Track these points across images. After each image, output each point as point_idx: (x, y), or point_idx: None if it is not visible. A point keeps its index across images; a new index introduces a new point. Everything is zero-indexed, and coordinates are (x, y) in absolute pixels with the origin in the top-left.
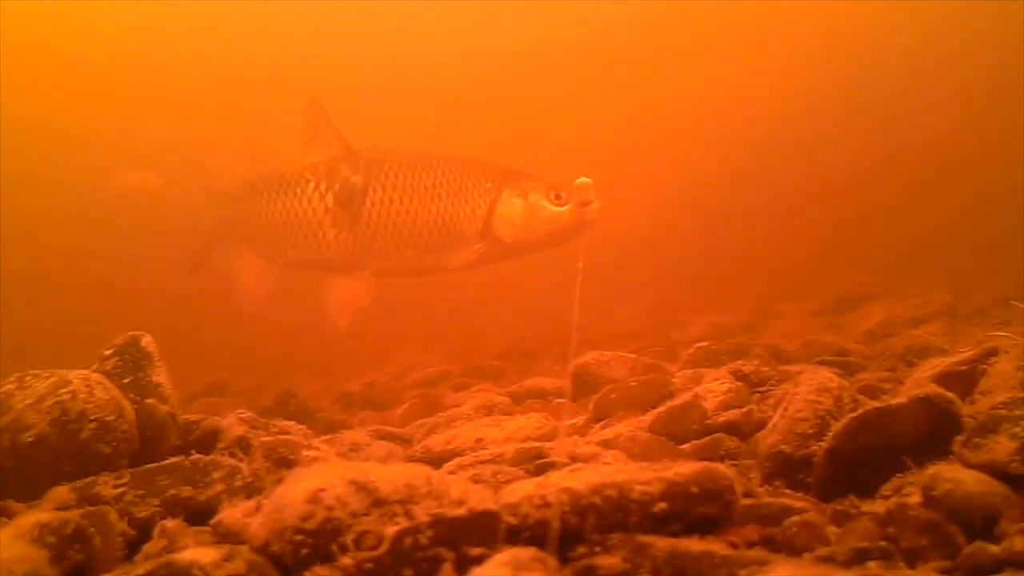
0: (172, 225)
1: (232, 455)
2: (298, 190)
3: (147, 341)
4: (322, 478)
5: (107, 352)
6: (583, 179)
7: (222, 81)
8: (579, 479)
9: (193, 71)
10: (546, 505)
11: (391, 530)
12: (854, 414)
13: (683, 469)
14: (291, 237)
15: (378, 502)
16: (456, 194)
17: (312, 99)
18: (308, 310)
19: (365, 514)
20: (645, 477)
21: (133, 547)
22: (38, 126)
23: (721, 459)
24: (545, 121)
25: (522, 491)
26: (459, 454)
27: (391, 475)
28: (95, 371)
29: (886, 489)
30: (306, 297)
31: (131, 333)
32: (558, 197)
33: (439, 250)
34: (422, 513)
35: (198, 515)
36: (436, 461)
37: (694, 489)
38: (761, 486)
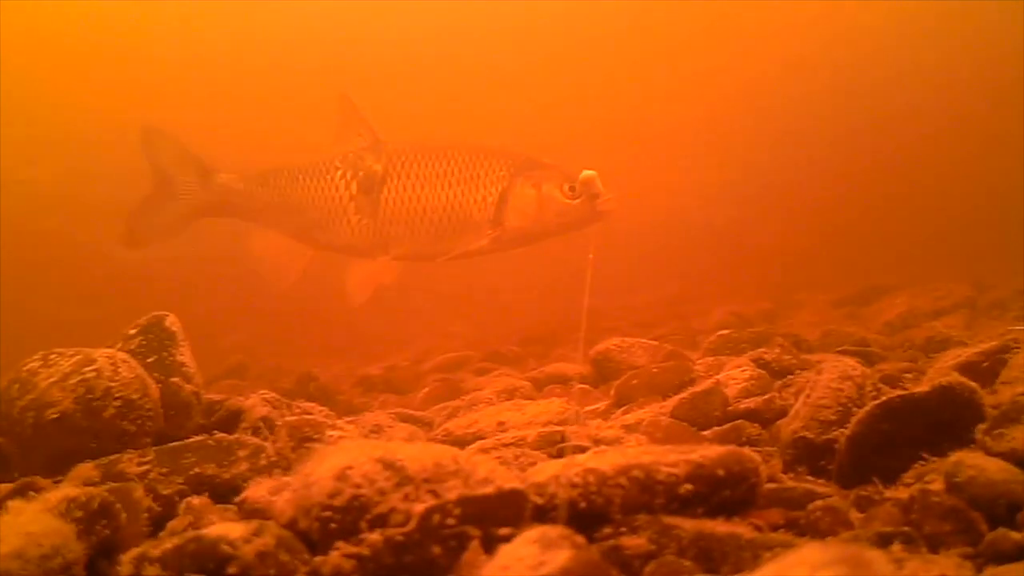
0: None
1: (257, 434)
2: (328, 177)
3: (171, 321)
4: (350, 456)
5: (132, 331)
6: (588, 172)
7: (237, 75)
8: (605, 460)
9: (207, 66)
10: (573, 485)
11: (419, 508)
12: (877, 401)
13: (709, 452)
14: (320, 222)
15: (405, 480)
16: (469, 182)
17: (343, 95)
18: (330, 293)
19: (393, 492)
20: (671, 459)
21: (159, 524)
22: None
23: (742, 445)
24: (565, 110)
25: (549, 471)
26: (481, 437)
27: (418, 454)
28: (120, 350)
29: (908, 476)
30: (328, 281)
31: (155, 313)
32: (571, 189)
33: (451, 236)
34: (450, 492)
35: (223, 493)
36: (458, 444)
37: (720, 472)
38: (783, 472)
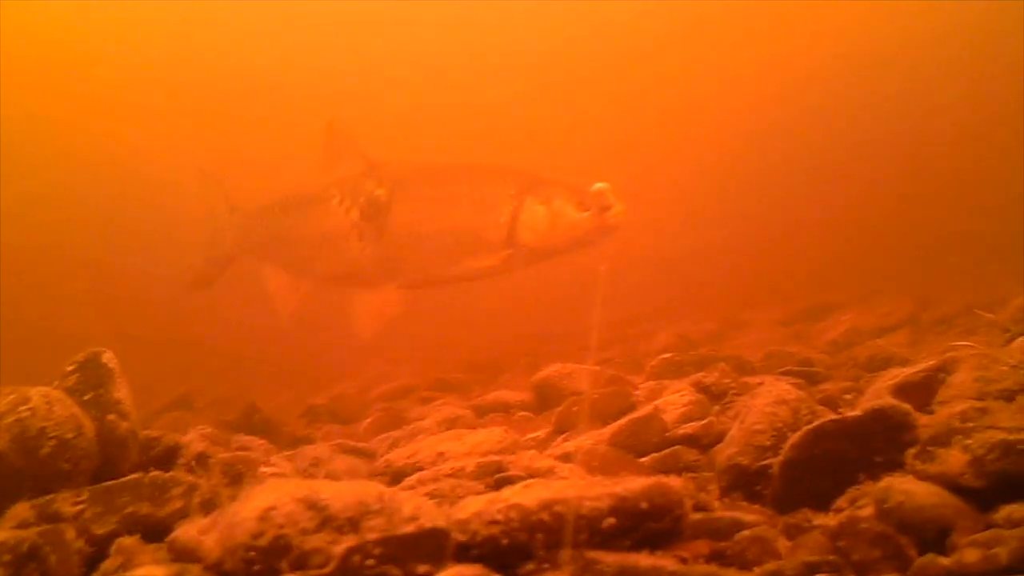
0: (190, 241)
1: (192, 471)
2: (323, 206)
3: (108, 357)
4: (274, 496)
5: (69, 368)
6: (600, 184)
7: (237, 91)
8: (529, 495)
9: (204, 80)
10: (495, 522)
11: (339, 548)
12: (810, 426)
13: (632, 484)
14: (319, 252)
15: (328, 520)
16: (479, 202)
17: (332, 119)
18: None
19: (315, 532)
20: (595, 492)
21: (91, 565)
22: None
23: (680, 472)
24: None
25: (472, 508)
26: (420, 468)
27: (343, 492)
28: (57, 387)
29: (842, 501)
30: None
31: (92, 349)
32: (581, 203)
33: (464, 259)
34: (371, 531)
35: (157, 532)
36: (398, 475)
37: (643, 504)
38: (719, 499)
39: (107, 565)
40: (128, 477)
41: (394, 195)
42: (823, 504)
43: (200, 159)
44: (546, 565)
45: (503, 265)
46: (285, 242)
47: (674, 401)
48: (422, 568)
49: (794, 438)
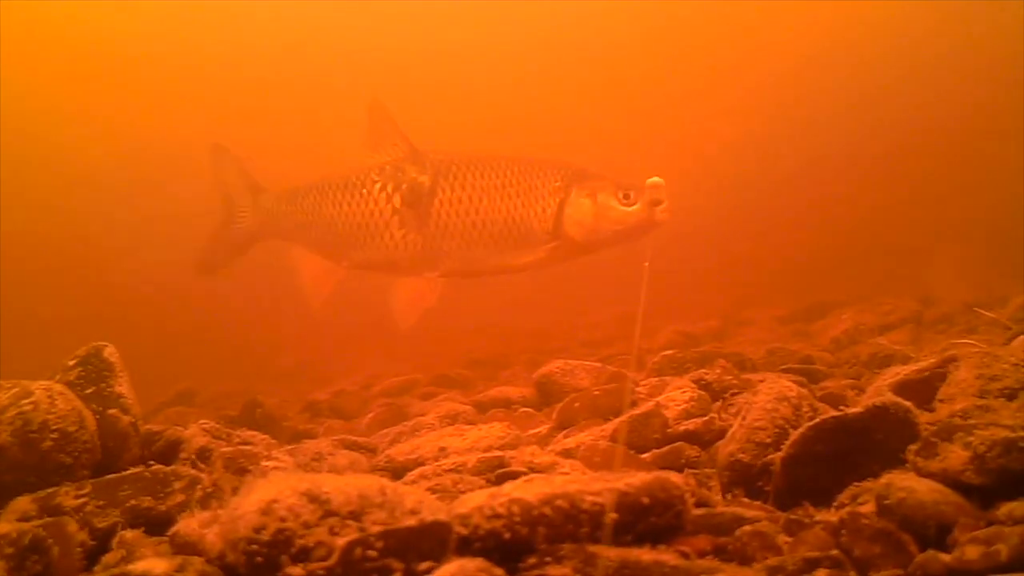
0: (208, 226)
1: (194, 465)
2: (364, 191)
3: (110, 352)
4: (276, 489)
5: (71, 363)
6: (655, 179)
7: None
8: (531, 490)
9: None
10: (496, 516)
11: (341, 541)
12: (811, 423)
13: (634, 480)
14: (358, 238)
15: (330, 513)
16: (525, 194)
17: (375, 100)
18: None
19: (317, 525)
20: (596, 488)
21: (93, 557)
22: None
23: (681, 468)
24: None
25: (473, 502)
26: (422, 463)
27: (344, 486)
28: (58, 381)
29: (843, 498)
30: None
31: (94, 344)
32: (627, 197)
33: (508, 250)
34: (373, 525)
35: (159, 525)
36: (399, 470)
37: (645, 500)
38: (720, 495)
39: (109, 558)
40: (130, 471)
41: (438, 182)
42: (824, 500)
43: (216, 137)
44: (548, 559)
45: (548, 258)
46: (322, 226)
47: (676, 398)
48: (424, 561)
49: (795, 435)
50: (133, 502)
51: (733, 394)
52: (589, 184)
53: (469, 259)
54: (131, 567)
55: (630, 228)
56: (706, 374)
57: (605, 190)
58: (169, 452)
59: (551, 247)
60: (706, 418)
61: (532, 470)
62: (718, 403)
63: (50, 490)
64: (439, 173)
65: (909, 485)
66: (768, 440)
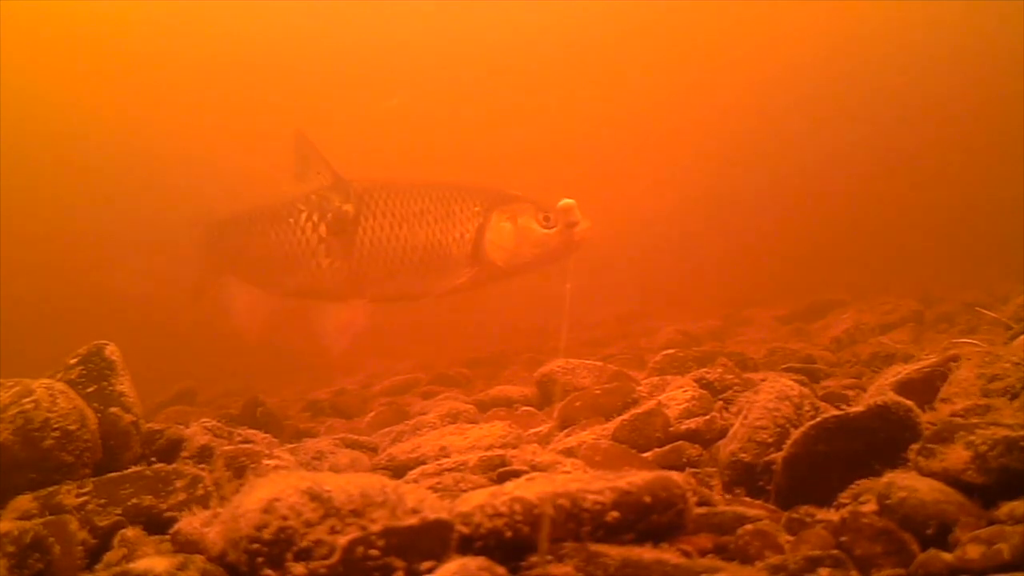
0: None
1: (195, 464)
2: (291, 220)
3: (111, 350)
4: (277, 487)
5: (72, 361)
6: (567, 200)
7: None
8: (532, 488)
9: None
10: (498, 515)
11: (343, 540)
12: (812, 422)
13: (636, 478)
14: (287, 268)
15: (332, 511)
16: (444, 219)
17: (299, 131)
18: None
19: (319, 524)
20: (598, 486)
21: (95, 556)
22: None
23: (683, 467)
24: (523, 119)
25: (475, 501)
26: (423, 462)
27: (346, 484)
28: (59, 380)
29: (844, 497)
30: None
31: (96, 342)
32: (547, 219)
33: (431, 275)
34: (375, 523)
35: (160, 524)
36: (400, 469)
37: (647, 498)
38: (722, 494)
39: (110, 556)
40: (131, 469)
41: (361, 210)
42: (826, 500)
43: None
44: (550, 558)
45: (470, 282)
46: (252, 257)
47: (677, 397)
48: (425, 560)
49: (796, 434)
50: (134, 500)
51: (735, 393)
52: (509, 208)
53: (393, 285)
54: (132, 565)
55: (551, 250)
56: (707, 373)
57: (525, 213)
58: (170, 451)
59: (473, 271)
60: (707, 417)
61: (533, 469)
62: (719, 402)
63: (51, 488)
64: (362, 201)
65: (910, 484)
66: (769, 439)
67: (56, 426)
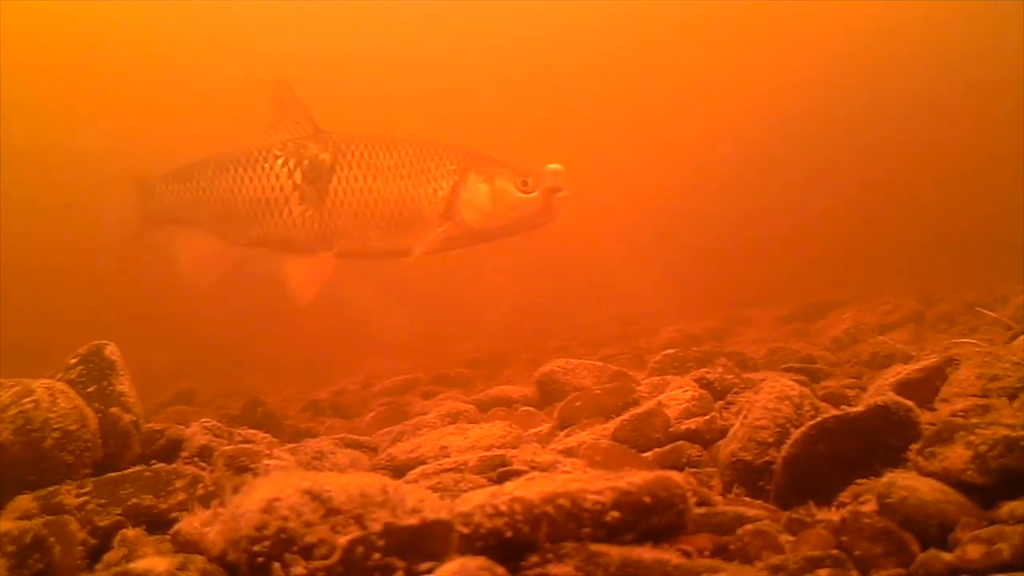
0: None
1: (195, 464)
2: (266, 165)
3: (111, 350)
4: (277, 487)
5: (72, 361)
6: (554, 165)
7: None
8: (532, 488)
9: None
10: (498, 515)
11: (343, 540)
12: (812, 422)
13: (636, 479)
14: (256, 214)
15: (332, 511)
16: (418, 175)
17: (280, 79)
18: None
19: (319, 523)
20: (597, 486)
21: (95, 556)
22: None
23: (683, 467)
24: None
25: (475, 500)
26: (423, 462)
27: (346, 484)
28: (59, 380)
29: (844, 496)
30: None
31: (95, 342)
32: (525, 184)
33: (401, 231)
34: (375, 523)
35: (160, 524)
36: (400, 469)
37: (647, 499)
38: (722, 494)
39: (110, 556)
40: (131, 469)
41: (337, 160)
42: (826, 499)
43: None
44: (550, 557)
45: (441, 243)
46: (218, 203)
47: (677, 397)
48: (426, 560)
49: (797, 434)
50: (134, 500)
51: (735, 394)
52: (487, 169)
53: (363, 239)
54: (132, 565)
55: (527, 215)
56: (707, 373)
57: (503, 176)
58: (170, 451)
59: (443, 230)
60: (707, 417)
61: (534, 469)
62: (719, 402)
63: (51, 488)
64: (339, 152)
65: (911, 484)
66: (770, 439)
67: (56, 426)
